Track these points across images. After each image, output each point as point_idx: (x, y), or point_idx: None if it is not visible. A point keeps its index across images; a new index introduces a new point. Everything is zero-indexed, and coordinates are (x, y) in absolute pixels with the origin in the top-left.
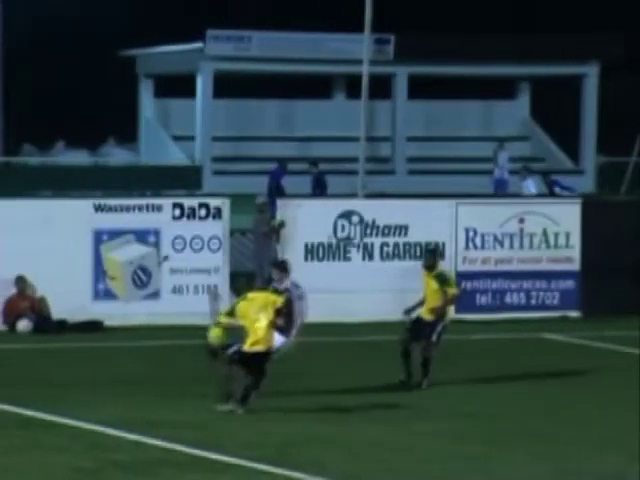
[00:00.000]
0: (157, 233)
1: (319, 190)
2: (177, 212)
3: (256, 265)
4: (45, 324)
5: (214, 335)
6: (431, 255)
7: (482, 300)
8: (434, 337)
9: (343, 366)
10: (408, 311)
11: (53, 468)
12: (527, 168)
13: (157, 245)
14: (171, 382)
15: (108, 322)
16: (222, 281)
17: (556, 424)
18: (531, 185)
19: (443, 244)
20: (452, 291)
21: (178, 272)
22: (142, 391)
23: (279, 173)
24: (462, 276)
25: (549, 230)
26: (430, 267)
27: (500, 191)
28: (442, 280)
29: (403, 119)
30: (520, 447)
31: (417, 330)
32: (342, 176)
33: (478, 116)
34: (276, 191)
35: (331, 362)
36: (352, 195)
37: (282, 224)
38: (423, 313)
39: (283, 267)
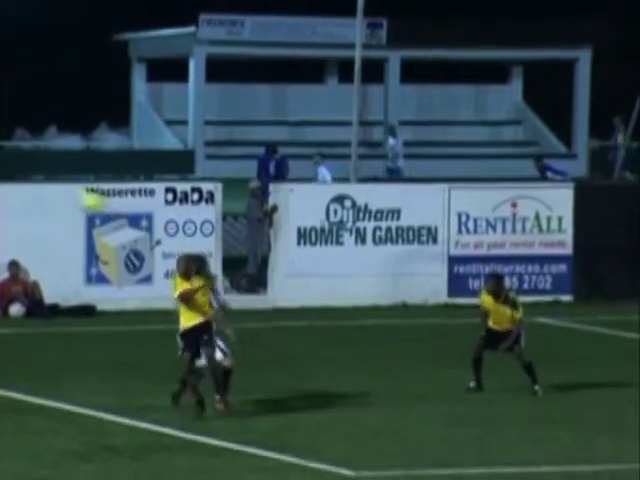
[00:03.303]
0: (150, 217)
1: (280, 176)
2: (170, 196)
3: (249, 249)
4: (37, 308)
5: None
6: (497, 283)
7: (475, 284)
8: (522, 342)
9: (336, 350)
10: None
11: (45, 452)
12: (321, 154)
13: (150, 229)
14: (164, 366)
15: (101, 306)
16: (215, 265)
17: (551, 408)
18: (325, 172)
19: (436, 228)
20: (518, 315)
21: (171, 256)
22: (135, 375)
23: (267, 158)
24: (454, 260)
25: (542, 214)
26: (497, 294)
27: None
28: (513, 305)
29: (396, 103)
30: (516, 431)
31: (493, 339)
32: (335, 160)
33: (471, 100)
34: (265, 176)
35: (324, 346)
36: (345, 179)
37: (275, 208)
38: (495, 325)
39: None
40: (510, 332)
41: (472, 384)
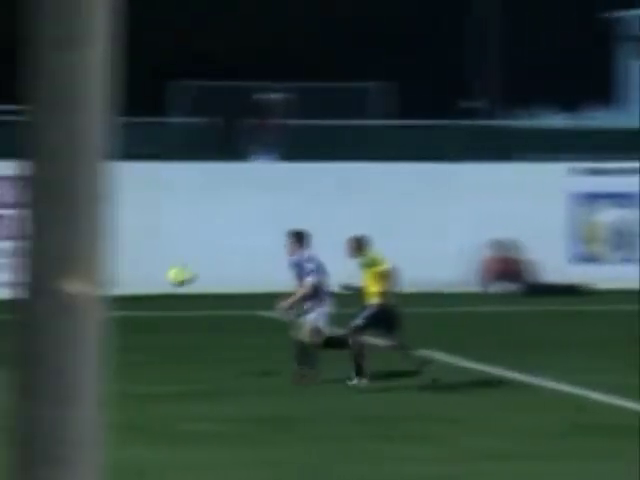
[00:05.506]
0: (636, 197)
1: None
2: None
3: None
4: (531, 287)
5: None
6: None
7: None
8: None
9: None
10: None
11: (519, 429)
12: None
13: (635, 208)
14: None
15: (587, 286)
16: None
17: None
18: None
19: None
20: None
21: None
22: (625, 356)
23: None
24: None
25: None
26: None
27: None
28: None
29: None
30: None
31: None
32: None
33: None
34: None
35: None
36: None
37: None
38: None
39: (298, 238)
40: None
41: None
